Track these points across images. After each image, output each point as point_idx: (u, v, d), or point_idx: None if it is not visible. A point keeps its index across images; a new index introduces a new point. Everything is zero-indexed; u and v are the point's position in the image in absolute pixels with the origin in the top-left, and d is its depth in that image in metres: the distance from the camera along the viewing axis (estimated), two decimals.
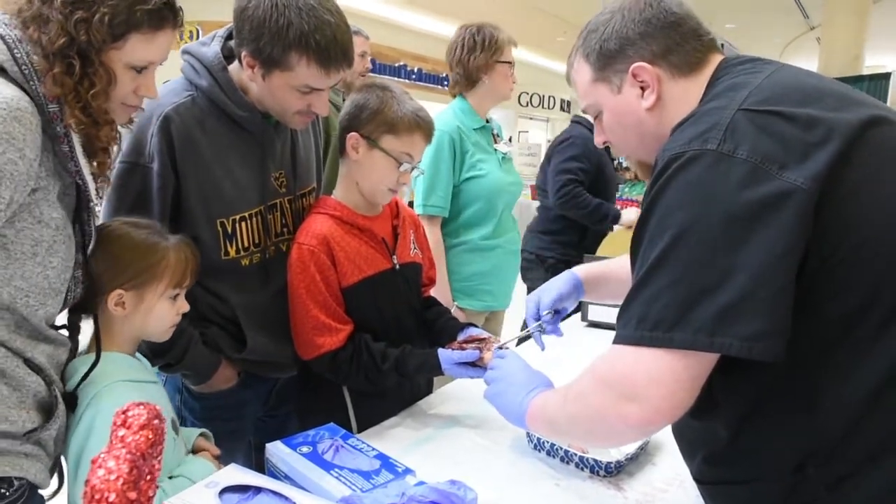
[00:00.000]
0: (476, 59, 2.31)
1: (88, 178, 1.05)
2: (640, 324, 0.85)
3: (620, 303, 0.91)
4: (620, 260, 1.41)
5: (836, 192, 0.80)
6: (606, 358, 0.92)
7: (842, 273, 0.81)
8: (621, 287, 0.90)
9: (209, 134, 1.38)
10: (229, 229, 1.43)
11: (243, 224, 1.45)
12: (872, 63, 10.99)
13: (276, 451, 1.17)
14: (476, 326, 1.62)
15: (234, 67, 1.41)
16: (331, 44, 1.28)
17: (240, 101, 1.39)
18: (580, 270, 1.47)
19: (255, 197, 1.46)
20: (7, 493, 1.01)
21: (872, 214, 0.81)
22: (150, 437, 0.72)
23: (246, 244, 1.46)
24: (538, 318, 1.44)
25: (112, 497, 0.66)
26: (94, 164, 1.08)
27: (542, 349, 1.46)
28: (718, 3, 9.83)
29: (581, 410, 0.98)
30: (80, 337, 1.18)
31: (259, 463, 1.52)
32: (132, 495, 0.67)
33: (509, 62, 2.34)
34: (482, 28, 2.33)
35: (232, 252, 1.44)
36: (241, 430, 1.63)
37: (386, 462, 1.15)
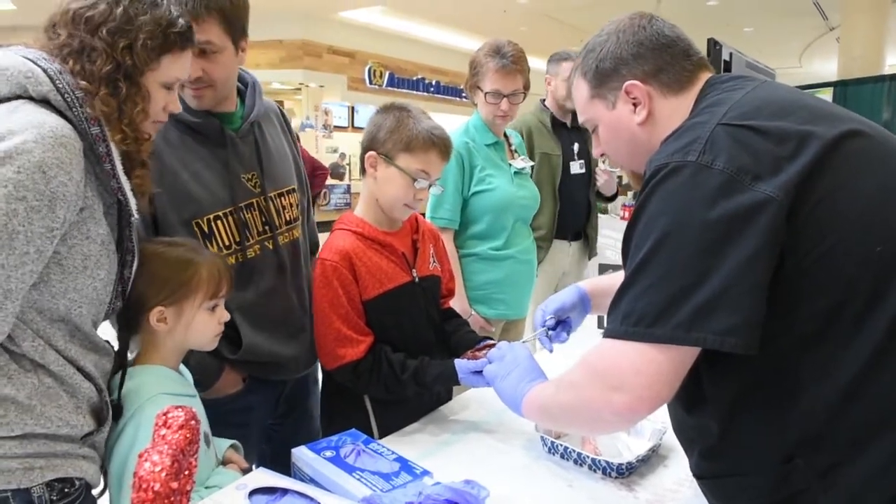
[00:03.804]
0: (467, 79, 2.36)
1: (129, 195, 1.13)
2: (626, 320, 0.92)
3: None
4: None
5: (810, 198, 0.86)
6: (596, 351, 0.99)
7: (818, 272, 0.86)
8: None
9: (171, 144, 1.48)
10: (206, 229, 1.50)
11: (219, 223, 1.52)
12: (894, 62, 10.84)
13: (302, 455, 1.24)
14: (492, 339, 1.66)
15: None
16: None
17: (191, 109, 1.49)
18: (586, 284, 1.53)
19: (227, 196, 1.53)
20: (70, 492, 1.09)
21: (845, 217, 0.87)
22: (188, 435, 0.80)
23: (227, 242, 1.53)
24: (544, 325, 1.50)
25: (157, 486, 0.75)
26: (133, 180, 1.16)
27: (551, 352, 1.51)
28: (736, 8, 9.80)
29: (572, 399, 1.04)
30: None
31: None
32: (174, 485, 0.76)
33: (490, 91, 2.26)
34: (484, 47, 2.30)
35: (214, 251, 1.50)
36: (248, 436, 1.67)
37: (405, 465, 1.21)
